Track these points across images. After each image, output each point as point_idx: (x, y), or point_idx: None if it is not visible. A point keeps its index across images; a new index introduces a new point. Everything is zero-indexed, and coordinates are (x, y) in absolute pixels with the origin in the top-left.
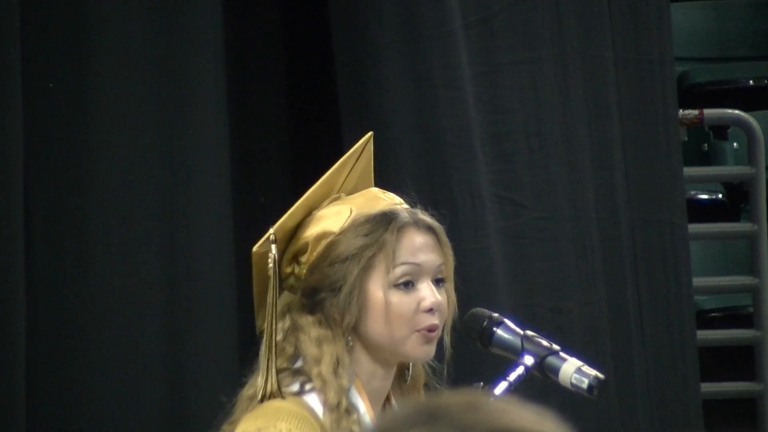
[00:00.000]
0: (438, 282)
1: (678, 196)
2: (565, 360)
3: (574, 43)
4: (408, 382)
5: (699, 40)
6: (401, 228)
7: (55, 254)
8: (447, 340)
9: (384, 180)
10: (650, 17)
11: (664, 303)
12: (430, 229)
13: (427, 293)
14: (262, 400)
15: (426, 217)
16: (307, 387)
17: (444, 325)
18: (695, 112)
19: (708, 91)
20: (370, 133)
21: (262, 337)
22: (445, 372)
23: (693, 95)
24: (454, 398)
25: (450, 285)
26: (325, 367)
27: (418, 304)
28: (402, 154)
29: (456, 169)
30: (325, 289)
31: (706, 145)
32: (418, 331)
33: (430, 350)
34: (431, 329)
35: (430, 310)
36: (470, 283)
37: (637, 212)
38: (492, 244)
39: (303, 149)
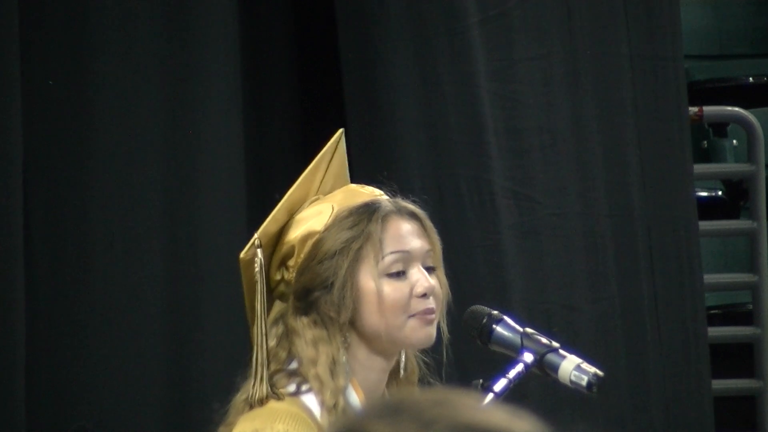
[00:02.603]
0: (428, 270)
1: (689, 193)
2: (564, 357)
3: (586, 40)
4: (402, 376)
5: (699, 38)
6: (385, 216)
7: (56, 253)
8: (443, 326)
9: (389, 176)
10: (663, 14)
11: (678, 300)
12: (413, 215)
13: (420, 278)
14: (252, 406)
15: (408, 204)
16: (304, 387)
17: (439, 311)
18: (695, 109)
19: (708, 89)
20: (341, 130)
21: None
22: (444, 358)
23: (693, 93)
24: (422, 394)
25: (440, 271)
26: (322, 368)
27: (411, 289)
28: (408, 151)
29: (464, 165)
30: (318, 287)
31: (705, 142)
32: (414, 315)
33: (431, 332)
34: (428, 312)
35: (424, 295)
36: (479, 280)
37: (652, 209)
38: (503, 241)
39: (314, 146)
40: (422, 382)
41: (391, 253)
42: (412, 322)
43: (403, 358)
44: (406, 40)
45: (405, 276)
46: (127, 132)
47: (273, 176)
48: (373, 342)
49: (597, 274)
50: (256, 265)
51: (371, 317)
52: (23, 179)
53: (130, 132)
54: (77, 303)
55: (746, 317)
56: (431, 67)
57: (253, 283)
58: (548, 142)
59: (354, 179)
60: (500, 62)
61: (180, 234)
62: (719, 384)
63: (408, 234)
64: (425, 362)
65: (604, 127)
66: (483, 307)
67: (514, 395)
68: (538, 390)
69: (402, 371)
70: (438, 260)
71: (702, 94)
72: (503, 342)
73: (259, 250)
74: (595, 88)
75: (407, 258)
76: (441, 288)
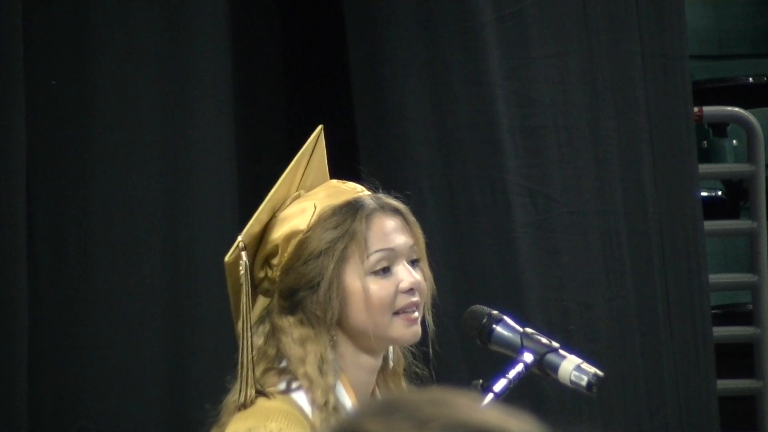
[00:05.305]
0: (413, 263)
1: (695, 192)
2: (564, 357)
3: (601, 38)
4: (388, 367)
5: (699, 38)
6: (369, 215)
7: (58, 252)
8: (429, 318)
9: (398, 175)
10: (672, 13)
11: (689, 298)
12: (396, 211)
13: (405, 274)
14: (242, 407)
15: (391, 200)
16: (294, 385)
17: (424, 304)
18: (695, 109)
19: (707, 89)
20: (320, 127)
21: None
22: (430, 351)
23: (693, 93)
24: (417, 393)
25: (424, 263)
26: (311, 367)
27: (397, 286)
28: (417, 150)
29: (475, 164)
30: (303, 287)
31: (705, 142)
32: (399, 314)
33: (416, 330)
34: (411, 308)
35: (410, 290)
36: (491, 279)
37: (664, 207)
38: (517, 239)
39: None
40: (408, 372)
41: (376, 251)
42: (398, 321)
43: (390, 351)
44: (416, 39)
45: (390, 272)
46: (126, 132)
47: (267, 176)
48: (360, 340)
49: (613, 271)
50: (240, 267)
51: (358, 316)
52: (26, 178)
53: (130, 132)
54: (79, 302)
55: (746, 317)
56: (441, 65)
57: (239, 285)
58: (565, 140)
59: (362, 179)
60: (516, 60)
61: (179, 234)
62: (719, 384)
63: (392, 231)
64: (411, 352)
65: (619, 125)
66: (483, 306)
67: (529, 393)
68: (555, 389)
69: (391, 363)
70: (422, 253)
71: (702, 94)
72: (503, 342)
73: (243, 253)
74: (611, 86)
75: (392, 255)
76: (426, 281)
